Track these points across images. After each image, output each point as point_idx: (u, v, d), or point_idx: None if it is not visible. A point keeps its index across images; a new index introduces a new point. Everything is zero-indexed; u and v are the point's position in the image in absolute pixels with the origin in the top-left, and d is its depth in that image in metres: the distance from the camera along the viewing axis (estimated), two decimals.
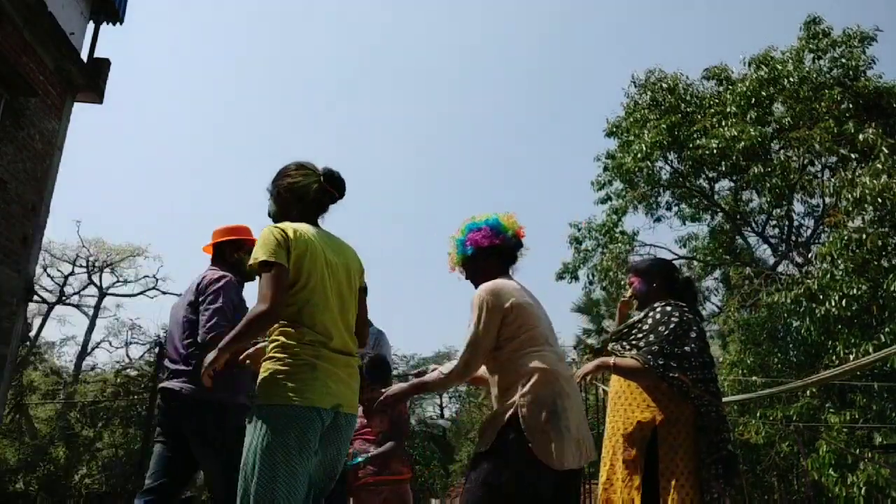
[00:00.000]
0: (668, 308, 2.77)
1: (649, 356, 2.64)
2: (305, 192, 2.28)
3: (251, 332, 2.02)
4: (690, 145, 13.46)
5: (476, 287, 2.55)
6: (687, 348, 2.66)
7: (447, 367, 2.51)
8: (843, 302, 10.17)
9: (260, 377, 2.05)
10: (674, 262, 15.78)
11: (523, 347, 2.40)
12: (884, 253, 10.52)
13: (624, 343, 2.82)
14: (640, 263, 3.08)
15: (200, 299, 2.98)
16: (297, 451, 1.96)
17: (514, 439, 2.29)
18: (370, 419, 3.00)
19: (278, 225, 2.14)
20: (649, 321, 2.78)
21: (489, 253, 2.59)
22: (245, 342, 2.08)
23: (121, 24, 9.08)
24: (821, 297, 10.48)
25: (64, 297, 25.23)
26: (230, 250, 3.19)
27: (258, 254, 2.05)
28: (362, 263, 2.40)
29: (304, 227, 2.18)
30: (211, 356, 2.09)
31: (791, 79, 13.27)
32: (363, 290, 2.38)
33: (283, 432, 1.95)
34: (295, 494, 1.94)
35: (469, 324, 2.43)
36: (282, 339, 2.06)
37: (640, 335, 2.77)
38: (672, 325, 2.70)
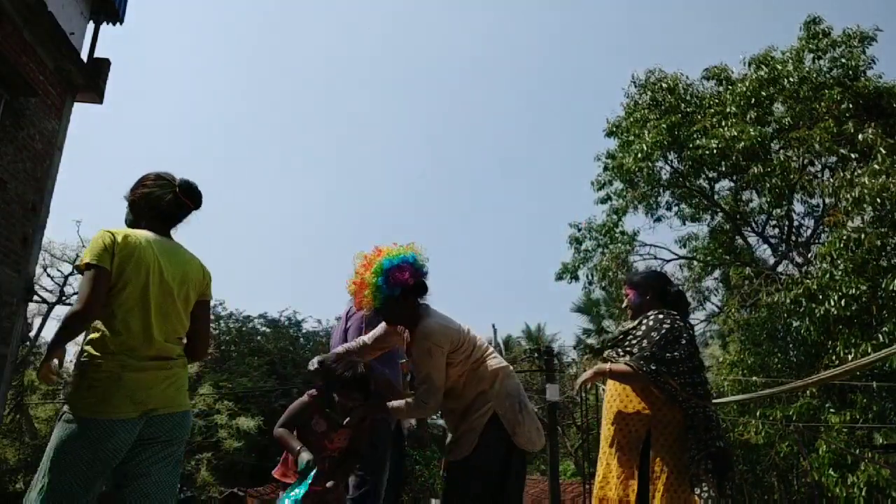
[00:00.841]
0: (661, 316, 2.93)
1: (641, 361, 2.79)
2: (158, 202, 2.34)
3: (68, 332, 2.12)
4: (690, 145, 13.46)
5: (398, 324, 2.70)
6: (676, 354, 2.81)
7: (413, 400, 2.67)
8: (843, 302, 10.17)
9: (69, 386, 2.14)
10: (674, 261, 15.85)
11: (477, 361, 2.64)
12: (883, 253, 10.53)
13: (618, 349, 2.97)
14: (634, 277, 3.25)
15: (346, 327, 3.47)
16: (88, 463, 2.05)
17: (494, 435, 2.53)
18: (332, 431, 2.80)
19: (109, 229, 2.21)
20: (642, 328, 2.94)
21: (413, 291, 2.63)
22: (66, 342, 2.16)
23: (121, 24, 9.07)
24: (820, 297, 10.48)
25: (64, 297, 25.18)
26: None
27: (84, 256, 2.14)
28: (207, 276, 2.40)
29: (139, 234, 2.24)
30: (46, 356, 2.22)
31: (791, 79, 13.27)
32: (204, 304, 2.37)
33: (78, 443, 2.05)
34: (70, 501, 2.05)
35: (423, 367, 2.58)
36: (89, 349, 2.13)
37: (633, 341, 2.92)
38: (663, 331, 2.85)
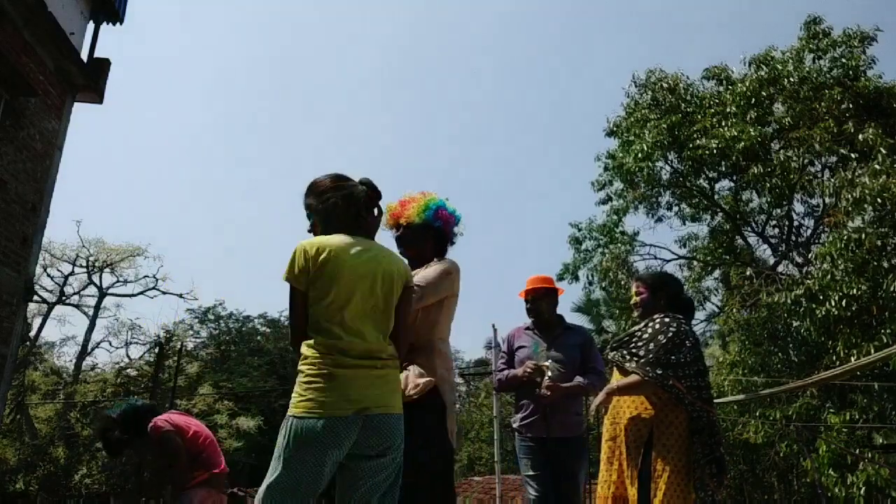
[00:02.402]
0: (667, 319, 2.97)
1: (647, 368, 2.82)
2: (346, 204, 2.28)
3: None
4: (690, 145, 13.47)
5: (404, 251, 2.68)
6: (682, 357, 2.84)
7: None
8: (843, 302, 10.17)
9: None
10: (674, 261, 15.80)
11: (444, 334, 2.59)
12: (883, 253, 10.52)
13: (624, 352, 3.00)
14: (649, 278, 3.24)
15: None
16: (313, 463, 2.02)
17: (438, 406, 2.43)
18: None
19: (304, 243, 2.17)
20: (649, 331, 2.96)
21: (442, 238, 2.71)
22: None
23: (121, 24, 9.07)
24: (821, 297, 10.48)
25: (64, 297, 25.22)
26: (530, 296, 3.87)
27: (284, 273, 2.17)
28: (404, 267, 2.32)
29: (334, 240, 2.18)
30: None
31: (791, 79, 13.27)
32: (407, 291, 2.28)
33: (302, 443, 2.02)
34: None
35: (433, 278, 2.53)
36: (304, 351, 2.13)
37: (639, 343, 2.95)
38: (670, 335, 2.89)
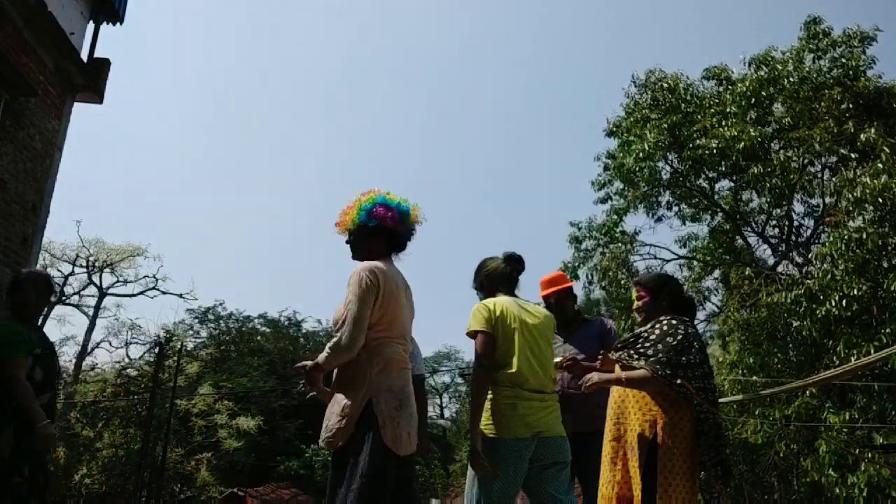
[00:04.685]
0: (674, 322, 2.97)
1: (657, 366, 2.83)
2: (497, 273, 3.07)
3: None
4: (690, 145, 13.46)
5: (355, 257, 2.65)
6: (691, 359, 2.85)
7: (329, 344, 2.48)
8: (844, 302, 10.15)
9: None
10: (674, 261, 15.77)
11: (380, 335, 2.47)
12: (884, 253, 10.51)
13: (631, 352, 2.99)
14: (650, 281, 3.22)
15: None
16: (508, 477, 2.72)
17: (368, 428, 2.37)
18: None
19: (485, 301, 2.93)
20: (657, 332, 2.96)
21: (385, 235, 2.62)
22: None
23: (121, 24, 9.07)
24: (821, 297, 10.47)
25: (64, 297, 25.23)
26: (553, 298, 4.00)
27: (472, 325, 2.87)
28: (552, 320, 3.09)
29: (503, 300, 2.94)
30: None
31: (791, 79, 13.27)
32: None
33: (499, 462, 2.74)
34: None
35: (347, 299, 2.46)
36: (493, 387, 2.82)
37: (647, 344, 2.95)
38: (679, 337, 2.89)
